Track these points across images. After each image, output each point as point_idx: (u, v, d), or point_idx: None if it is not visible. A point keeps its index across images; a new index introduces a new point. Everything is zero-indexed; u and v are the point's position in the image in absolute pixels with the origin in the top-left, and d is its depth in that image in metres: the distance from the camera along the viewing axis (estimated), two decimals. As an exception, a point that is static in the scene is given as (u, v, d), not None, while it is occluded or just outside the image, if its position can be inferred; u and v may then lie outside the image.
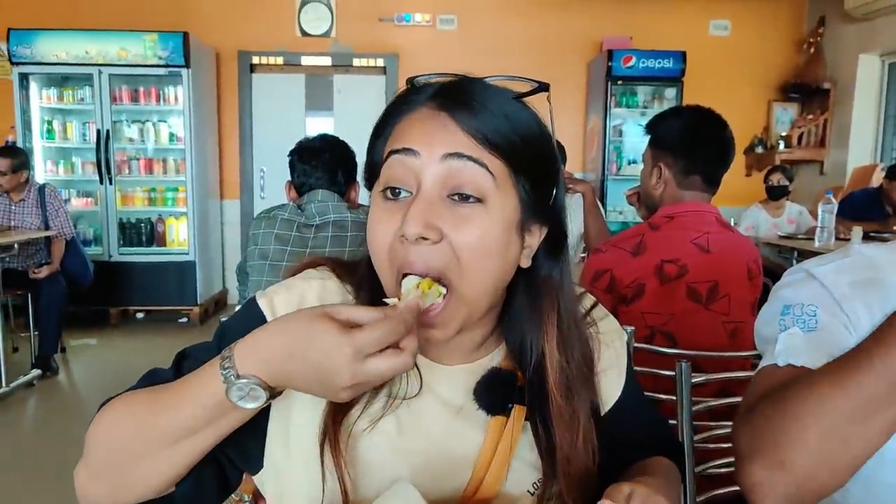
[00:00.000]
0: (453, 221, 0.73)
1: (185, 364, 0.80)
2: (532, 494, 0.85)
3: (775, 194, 5.40)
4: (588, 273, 1.92)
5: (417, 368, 0.82)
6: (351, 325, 0.65)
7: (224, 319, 0.91)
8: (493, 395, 0.84)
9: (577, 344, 0.86)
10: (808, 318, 0.97)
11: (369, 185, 0.84)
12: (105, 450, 0.75)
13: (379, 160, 0.80)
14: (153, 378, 0.80)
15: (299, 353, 0.65)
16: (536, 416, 0.84)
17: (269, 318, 0.80)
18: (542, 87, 0.80)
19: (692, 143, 1.92)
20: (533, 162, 0.78)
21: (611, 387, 0.94)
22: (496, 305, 0.83)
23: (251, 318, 0.81)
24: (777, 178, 5.35)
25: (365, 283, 0.83)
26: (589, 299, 0.98)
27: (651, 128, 2.03)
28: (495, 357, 0.88)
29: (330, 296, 0.84)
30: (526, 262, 0.81)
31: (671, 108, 2.13)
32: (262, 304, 0.83)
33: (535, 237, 0.82)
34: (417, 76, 0.81)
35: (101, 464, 0.75)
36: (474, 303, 0.77)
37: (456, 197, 0.74)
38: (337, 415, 0.78)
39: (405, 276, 0.75)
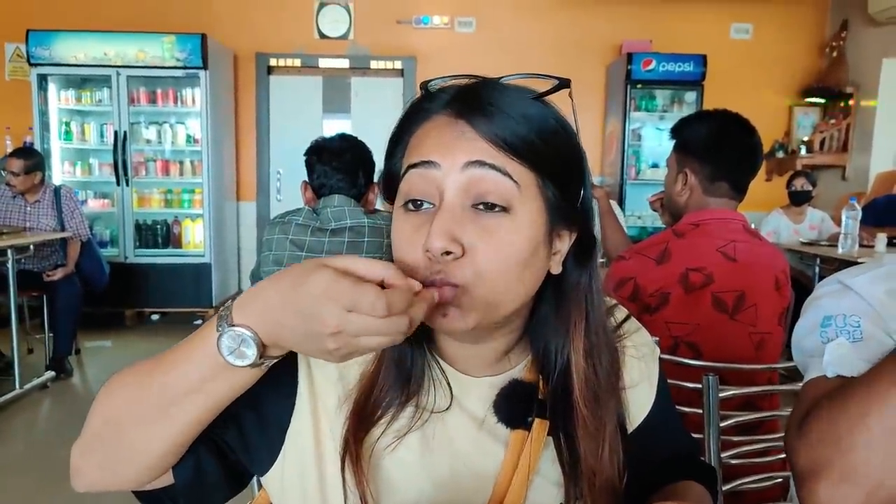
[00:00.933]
0: (478, 233, 0.69)
1: None
2: None
3: (798, 199, 5.35)
4: (611, 281, 1.87)
5: (447, 381, 0.80)
6: (348, 273, 0.61)
7: None
8: (513, 407, 0.80)
9: (606, 353, 0.82)
10: (853, 328, 0.96)
11: (388, 196, 0.80)
12: (101, 418, 0.71)
13: (397, 171, 0.76)
14: None
15: (291, 300, 0.61)
16: (560, 427, 0.80)
17: None
18: (564, 84, 0.76)
19: (719, 148, 1.87)
20: (557, 163, 0.74)
21: (640, 403, 0.90)
22: (522, 313, 0.79)
23: None
24: (801, 183, 5.29)
25: None
26: (621, 311, 0.94)
27: (676, 132, 1.97)
28: (522, 369, 0.84)
29: None
30: (557, 269, 0.77)
31: (697, 113, 2.08)
32: None
33: (565, 242, 0.77)
34: (431, 80, 0.77)
35: (95, 432, 0.71)
36: (493, 305, 0.71)
37: (481, 206, 0.70)
38: (358, 431, 0.75)
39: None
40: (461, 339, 0.78)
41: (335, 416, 0.77)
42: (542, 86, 0.76)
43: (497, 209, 0.70)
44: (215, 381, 0.66)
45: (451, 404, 0.80)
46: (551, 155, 0.73)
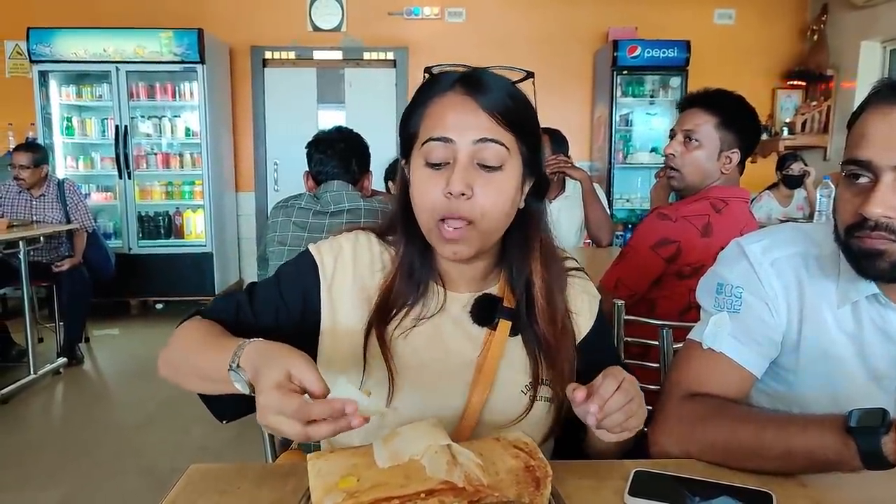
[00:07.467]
0: (481, 183, 0.99)
1: (254, 298, 1.11)
2: (524, 394, 1.09)
3: (793, 184, 5.38)
4: (653, 235, 1.98)
5: (441, 294, 1.11)
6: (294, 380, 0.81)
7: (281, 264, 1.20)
8: (483, 312, 1.10)
9: (554, 263, 1.13)
10: (735, 299, 1.14)
11: (404, 151, 1.08)
12: (169, 356, 1.05)
13: (415, 132, 1.05)
14: (236, 299, 1.11)
15: (261, 372, 0.81)
16: (526, 324, 1.09)
17: (317, 261, 1.11)
18: (530, 75, 1.12)
19: (756, 133, 2.06)
20: (528, 130, 1.04)
21: (581, 326, 1.16)
22: (498, 239, 1.08)
23: (303, 262, 1.12)
24: (798, 168, 5.31)
25: (402, 235, 1.10)
26: (571, 262, 1.21)
27: (729, 111, 2.03)
28: (494, 287, 1.14)
29: (361, 248, 1.13)
30: (521, 204, 1.07)
31: (731, 94, 2.08)
32: (313, 250, 1.13)
33: (528, 184, 1.08)
34: (433, 66, 1.10)
35: (167, 359, 1.05)
36: (490, 234, 1.03)
37: (483, 166, 0.99)
38: (379, 322, 1.07)
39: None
40: (459, 262, 1.05)
41: (352, 312, 1.08)
42: (514, 73, 1.07)
43: (493, 167, 0.99)
44: (225, 383, 0.89)
45: (441, 309, 1.10)
46: (526, 123, 1.03)
